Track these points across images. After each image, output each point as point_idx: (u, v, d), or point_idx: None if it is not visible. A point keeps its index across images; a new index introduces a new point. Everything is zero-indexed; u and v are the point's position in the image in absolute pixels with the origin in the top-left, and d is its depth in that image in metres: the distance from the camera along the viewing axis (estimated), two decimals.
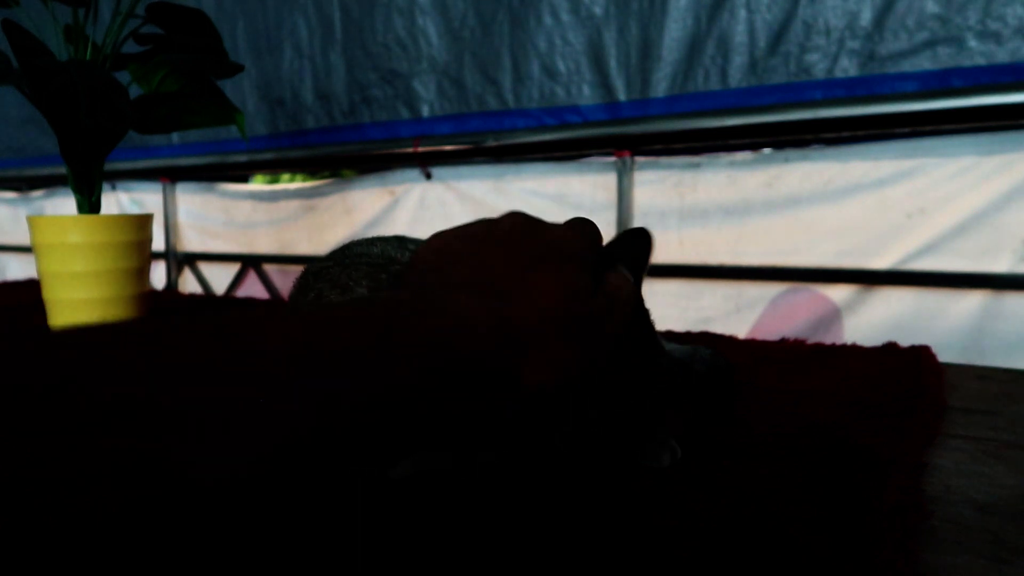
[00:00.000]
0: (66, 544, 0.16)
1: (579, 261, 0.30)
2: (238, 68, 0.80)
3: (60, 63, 0.67)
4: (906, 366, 0.56)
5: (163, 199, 1.77)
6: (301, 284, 0.47)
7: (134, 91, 0.76)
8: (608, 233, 0.40)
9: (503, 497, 0.31)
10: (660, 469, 0.36)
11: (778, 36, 1.00)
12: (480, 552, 0.27)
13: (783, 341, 0.69)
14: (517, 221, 0.31)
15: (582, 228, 0.33)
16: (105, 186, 1.85)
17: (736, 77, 1.04)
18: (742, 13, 1.02)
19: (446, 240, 0.31)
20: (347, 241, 0.50)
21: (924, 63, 0.92)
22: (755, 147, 1.10)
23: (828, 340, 0.78)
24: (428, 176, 1.38)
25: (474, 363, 0.25)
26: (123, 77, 0.79)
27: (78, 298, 0.71)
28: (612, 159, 1.18)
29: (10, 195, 2.22)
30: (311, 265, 0.48)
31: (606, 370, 0.32)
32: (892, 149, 0.99)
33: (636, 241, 0.39)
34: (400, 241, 0.52)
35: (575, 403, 0.32)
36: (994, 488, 0.35)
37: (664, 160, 1.15)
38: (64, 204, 2.05)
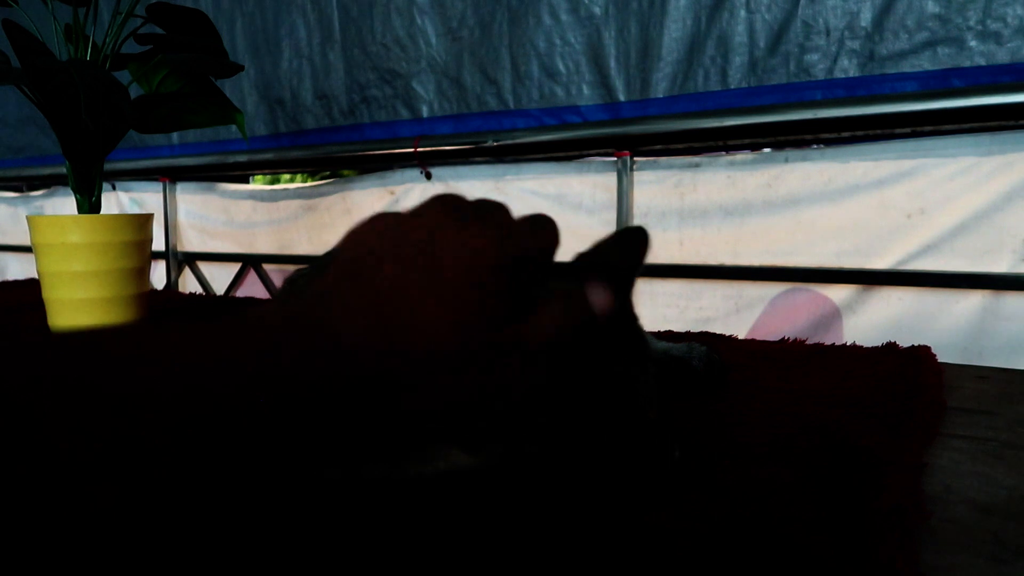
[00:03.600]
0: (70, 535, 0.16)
1: (484, 285, 0.27)
2: (238, 68, 0.80)
3: (60, 63, 0.67)
4: (906, 366, 0.56)
5: (163, 199, 1.77)
6: (283, 291, 0.49)
7: (134, 91, 0.76)
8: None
9: (499, 497, 0.31)
10: (658, 469, 0.36)
11: (778, 36, 1.00)
12: (477, 552, 0.27)
13: (783, 341, 0.69)
14: (430, 225, 0.28)
15: (493, 239, 0.28)
16: (105, 186, 1.85)
17: (736, 77, 1.04)
18: (742, 13, 1.02)
19: (360, 241, 0.29)
20: None
21: (924, 63, 0.92)
22: (755, 147, 1.10)
23: (828, 340, 0.78)
24: (428, 176, 1.38)
25: (344, 386, 0.24)
26: (123, 77, 0.79)
27: (78, 298, 0.71)
28: (612, 159, 1.18)
29: (10, 195, 2.22)
30: (293, 273, 0.50)
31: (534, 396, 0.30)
32: (892, 149, 0.99)
33: (627, 242, 0.37)
34: None
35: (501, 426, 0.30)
36: (994, 488, 0.35)
37: (664, 160, 1.15)
38: (64, 204, 2.05)
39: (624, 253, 0.36)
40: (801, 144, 1.05)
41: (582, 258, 0.37)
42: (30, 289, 1.12)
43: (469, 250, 0.27)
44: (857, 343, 0.66)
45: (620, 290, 0.36)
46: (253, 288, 1.70)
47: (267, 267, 1.67)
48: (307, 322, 0.25)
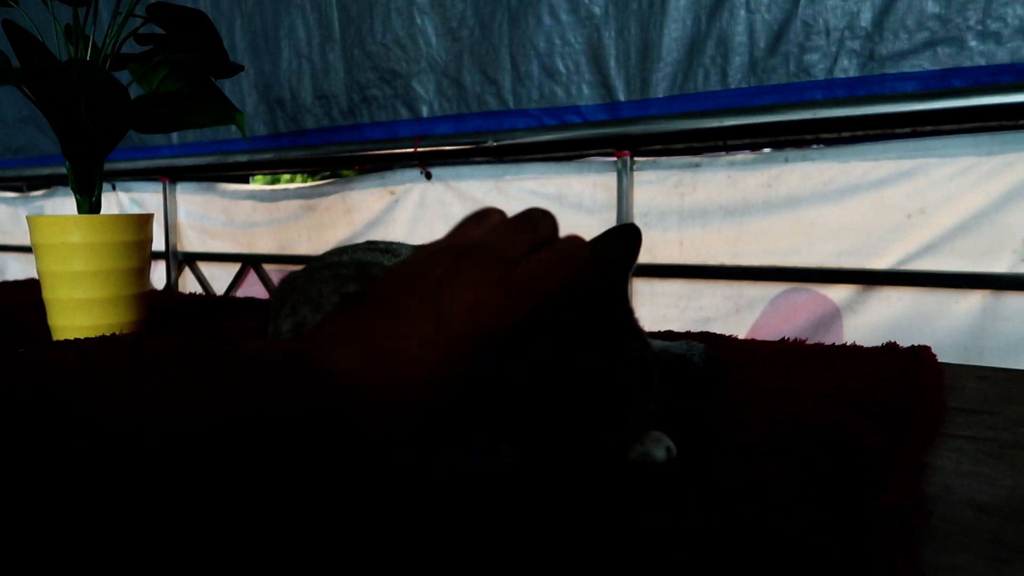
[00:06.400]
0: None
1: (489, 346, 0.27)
2: (238, 68, 0.80)
3: (60, 63, 0.67)
4: (906, 366, 0.56)
5: (163, 199, 1.77)
6: (280, 292, 0.49)
7: (134, 91, 0.76)
8: None
9: (497, 497, 0.31)
10: (658, 468, 0.36)
11: (778, 36, 1.00)
12: (474, 551, 0.27)
13: (783, 341, 0.69)
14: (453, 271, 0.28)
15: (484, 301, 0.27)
16: (105, 186, 1.86)
17: (736, 77, 1.04)
18: (742, 13, 1.02)
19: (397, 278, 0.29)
20: (342, 244, 0.51)
21: (924, 63, 0.92)
22: (755, 147, 1.10)
23: (828, 340, 0.78)
24: (428, 176, 1.38)
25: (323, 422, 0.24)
26: (123, 77, 0.79)
27: (78, 298, 0.71)
28: (612, 159, 1.18)
29: (10, 195, 2.22)
30: (289, 275, 0.50)
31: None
32: (892, 149, 0.99)
33: (619, 240, 0.37)
34: (370, 245, 0.53)
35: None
36: (994, 488, 0.35)
37: (664, 160, 1.15)
38: (64, 204, 2.05)
39: (617, 251, 0.37)
40: (801, 144, 1.05)
41: None
42: (30, 289, 1.12)
43: (485, 306, 0.27)
44: (857, 343, 0.66)
45: (614, 288, 0.36)
46: (253, 288, 1.70)
47: (267, 267, 1.67)
48: (312, 365, 0.25)
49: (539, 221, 0.31)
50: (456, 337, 0.26)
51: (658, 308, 1.15)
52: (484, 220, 0.32)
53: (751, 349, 0.65)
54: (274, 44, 1.50)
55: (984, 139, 0.92)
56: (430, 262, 0.28)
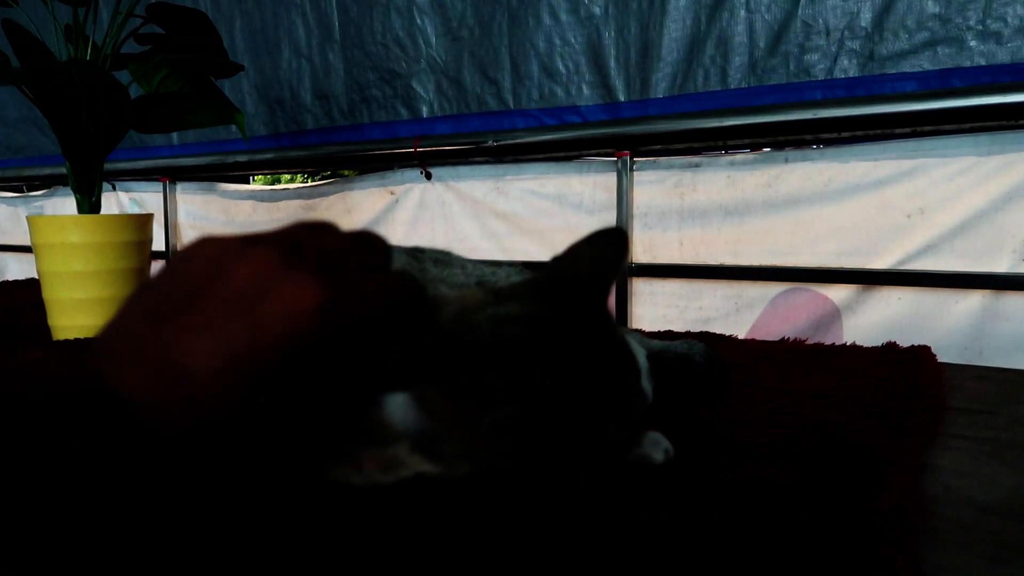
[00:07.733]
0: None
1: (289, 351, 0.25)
2: (238, 68, 0.80)
3: (60, 63, 0.67)
4: (906, 366, 0.56)
5: (163, 199, 1.77)
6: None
7: (134, 91, 0.76)
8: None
9: (496, 497, 0.31)
10: (658, 469, 0.36)
11: (778, 36, 1.00)
12: (475, 552, 0.27)
13: (783, 341, 0.69)
14: (262, 269, 0.26)
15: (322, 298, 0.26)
16: (105, 186, 1.85)
17: (736, 77, 1.04)
18: (742, 13, 1.02)
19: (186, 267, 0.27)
20: None
21: (924, 63, 0.92)
22: (755, 147, 1.10)
23: (828, 340, 0.78)
24: (428, 176, 1.38)
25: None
26: (123, 77, 0.79)
27: (78, 298, 0.71)
28: (612, 159, 1.18)
29: (10, 195, 2.22)
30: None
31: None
32: (892, 149, 0.98)
33: (602, 247, 0.35)
34: None
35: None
36: (994, 488, 0.35)
37: (664, 160, 1.15)
38: (64, 204, 2.05)
39: (598, 258, 0.35)
40: (801, 144, 1.05)
41: (557, 261, 0.36)
42: (30, 289, 1.12)
43: (290, 314, 0.25)
44: (857, 343, 0.66)
45: (593, 299, 0.34)
46: None
47: None
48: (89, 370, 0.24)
49: (375, 245, 0.30)
50: (258, 352, 0.25)
51: (658, 308, 1.15)
52: (321, 231, 0.30)
53: (751, 349, 0.65)
54: (274, 44, 1.50)
55: (984, 139, 0.92)
56: (243, 260, 0.27)
